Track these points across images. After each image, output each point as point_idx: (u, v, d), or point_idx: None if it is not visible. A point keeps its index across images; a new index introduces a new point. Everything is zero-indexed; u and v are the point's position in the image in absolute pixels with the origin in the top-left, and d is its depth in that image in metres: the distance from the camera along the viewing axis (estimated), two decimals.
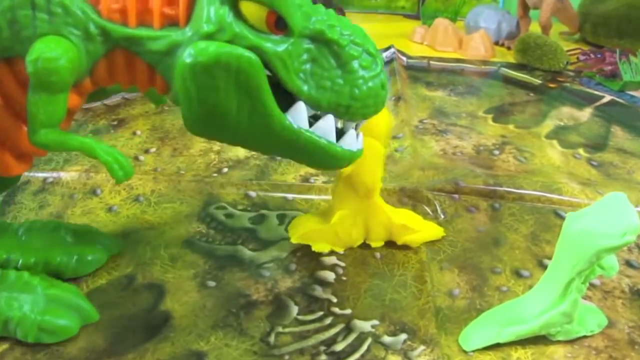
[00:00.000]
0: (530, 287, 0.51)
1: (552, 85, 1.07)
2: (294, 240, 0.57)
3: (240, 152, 0.76)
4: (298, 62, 0.41)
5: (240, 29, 0.40)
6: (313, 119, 0.43)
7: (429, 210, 0.65)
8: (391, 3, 1.65)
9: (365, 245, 0.59)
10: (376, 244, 0.59)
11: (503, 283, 0.55)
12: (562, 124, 0.90)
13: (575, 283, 0.45)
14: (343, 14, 1.51)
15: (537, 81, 1.09)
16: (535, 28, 1.31)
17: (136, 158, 0.74)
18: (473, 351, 0.48)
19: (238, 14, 0.40)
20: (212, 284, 0.54)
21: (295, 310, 0.51)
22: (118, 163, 0.44)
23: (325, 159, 0.44)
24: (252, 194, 0.67)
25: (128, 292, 0.53)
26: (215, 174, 0.70)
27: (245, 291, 0.53)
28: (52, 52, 0.41)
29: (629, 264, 0.59)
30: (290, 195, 0.67)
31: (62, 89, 0.42)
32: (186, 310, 0.51)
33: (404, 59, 1.17)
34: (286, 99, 0.42)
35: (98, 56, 0.43)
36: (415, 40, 1.32)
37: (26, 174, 0.70)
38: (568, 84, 1.09)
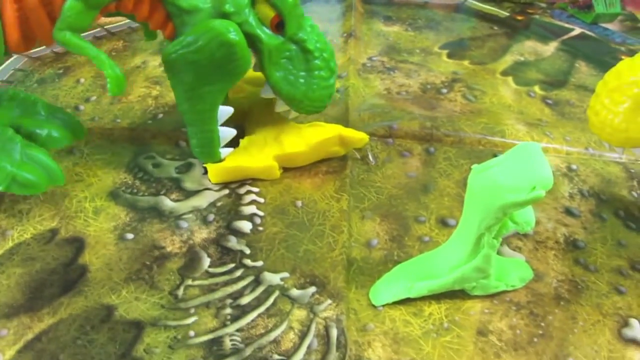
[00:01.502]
0: None
1: (519, 18, 1.03)
2: (213, 181, 0.59)
3: None
4: (279, 56, 0.53)
5: (250, 18, 0.51)
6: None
7: (358, 156, 0.62)
8: None
9: (287, 194, 0.57)
10: (293, 148, 0.58)
11: (426, 233, 0.54)
12: (522, 59, 0.86)
13: (486, 238, 0.43)
14: None
15: (504, 13, 1.05)
16: None
17: (76, 108, 0.72)
18: (383, 306, 0.47)
19: (253, 7, 0.51)
20: (130, 236, 0.53)
21: (207, 262, 0.50)
22: (118, 80, 0.49)
23: (209, 152, 0.58)
24: (183, 143, 0.65)
25: (50, 246, 0.52)
26: (150, 121, 0.68)
27: (161, 243, 0.52)
28: None
29: (568, 211, 0.57)
30: None
31: (98, 6, 0.48)
32: (102, 264, 0.51)
33: None
34: None
35: None
36: None
37: None
38: (537, 16, 1.05)
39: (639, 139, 0.50)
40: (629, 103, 0.50)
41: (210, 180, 0.59)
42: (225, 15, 0.50)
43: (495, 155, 0.60)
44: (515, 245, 0.53)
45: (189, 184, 0.59)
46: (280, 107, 0.58)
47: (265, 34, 0.52)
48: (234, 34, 0.48)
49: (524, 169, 0.39)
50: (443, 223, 0.54)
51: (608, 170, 0.63)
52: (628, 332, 0.47)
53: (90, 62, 0.86)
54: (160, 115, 0.69)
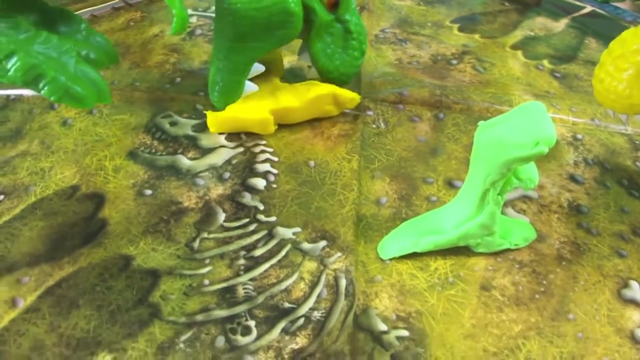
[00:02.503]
0: None
1: None
2: (212, 130, 0.62)
3: (195, 64, 0.75)
4: (325, 31, 0.59)
5: None
6: None
7: (369, 121, 0.64)
8: None
9: (300, 154, 0.59)
10: (287, 103, 0.61)
11: (433, 193, 0.55)
12: (532, 34, 0.88)
13: (491, 194, 0.45)
14: None
15: None
16: None
17: None
18: (390, 260, 0.49)
19: None
20: (148, 192, 0.55)
21: (222, 217, 0.52)
22: (184, 21, 0.49)
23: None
24: (200, 107, 0.67)
25: (71, 201, 0.54)
26: (167, 85, 0.70)
27: (178, 199, 0.54)
28: None
29: (572, 178, 0.59)
30: None
31: None
32: (121, 218, 0.53)
33: None
34: None
35: None
36: None
37: None
38: None
39: None
40: (632, 70, 0.51)
41: (209, 129, 0.62)
42: None
43: None
44: (520, 207, 0.55)
45: (205, 142, 0.61)
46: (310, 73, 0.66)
47: (321, 9, 0.57)
48: (295, 5, 0.52)
49: (528, 126, 0.41)
50: (450, 184, 0.56)
51: (613, 140, 0.64)
52: (627, 293, 0.48)
53: (110, 31, 0.88)
54: (178, 80, 0.71)
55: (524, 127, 0.41)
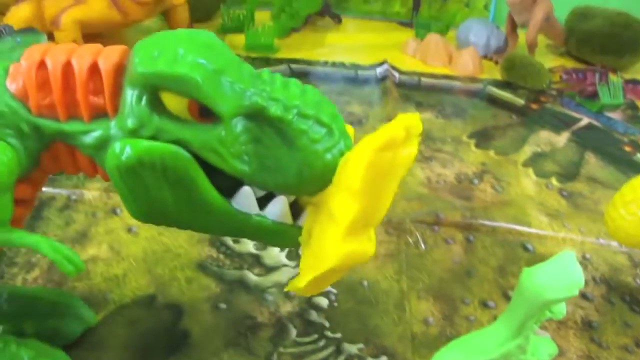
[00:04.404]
0: (495, 317, 0.60)
1: (534, 107, 1.15)
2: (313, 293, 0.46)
3: None
4: (236, 145, 0.39)
5: (163, 123, 0.39)
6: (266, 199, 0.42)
7: (411, 241, 0.74)
8: (387, 8, 1.72)
9: (354, 274, 0.68)
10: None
11: (471, 313, 0.64)
12: (539, 150, 0.99)
13: (528, 324, 0.54)
14: (340, 21, 1.59)
15: (521, 101, 1.17)
16: (523, 43, 1.39)
17: None
18: None
19: (160, 106, 0.39)
20: (223, 306, 0.63)
21: (294, 332, 0.60)
22: (67, 258, 0.43)
23: (281, 240, 0.44)
24: None
25: (151, 310, 0.62)
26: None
27: (252, 313, 0.62)
28: None
29: (584, 296, 0.68)
30: None
31: (3, 190, 0.41)
32: (202, 330, 0.60)
33: (397, 75, 1.25)
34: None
35: (38, 151, 0.43)
36: (408, 53, 1.39)
37: (51, 190, 0.78)
38: (549, 105, 1.18)
39: None
40: None
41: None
42: (132, 133, 0.39)
43: (523, 245, 0.72)
44: (542, 324, 0.64)
45: (268, 260, 0.69)
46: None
47: (191, 130, 0.39)
48: (128, 151, 0.38)
49: (562, 273, 0.51)
50: (484, 305, 0.65)
51: (615, 259, 0.74)
52: None
53: None
54: None
55: (558, 274, 0.51)
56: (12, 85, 0.42)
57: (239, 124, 0.39)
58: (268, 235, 0.43)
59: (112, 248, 0.70)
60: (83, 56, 0.41)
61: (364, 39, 1.50)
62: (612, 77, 1.25)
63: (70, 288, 0.63)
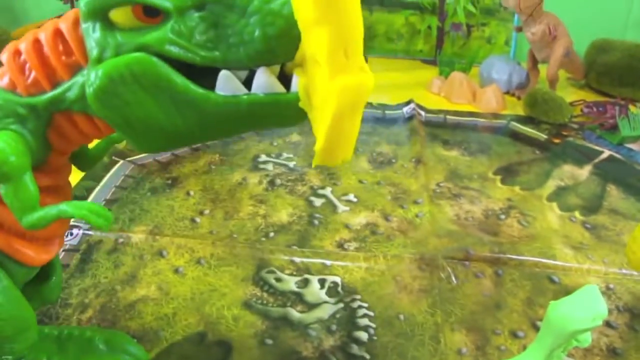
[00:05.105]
0: (524, 346, 0.64)
1: (556, 141, 1.20)
2: None
3: (283, 217, 0.90)
4: (196, 36, 0.40)
5: (120, 38, 0.40)
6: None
7: (443, 276, 0.78)
8: (410, 47, 1.78)
9: (391, 308, 0.72)
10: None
11: (502, 343, 0.69)
12: (562, 184, 1.03)
13: (556, 352, 0.59)
14: (366, 61, 1.65)
15: (543, 136, 1.22)
16: (543, 77, 1.44)
17: (193, 220, 0.88)
18: None
19: (112, 26, 0.41)
20: (269, 342, 0.67)
21: None
22: (94, 212, 0.45)
23: (284, 112, 0.42)
24: (297, 259, 0.80)
25: (202, 347, 0.66)
26: (263, 238, 0.84)
27: (297, 348, 0.67)
28: None
29: (608, 324, 0.72)
30: (328, 262, 0.80)
31: (21, 173, 0.44)
32: None
33: (423, 113, 1.30)
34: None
35: (42, 129, 0.46)
36: (433, 91, 1.45)
37: (99, 233, 0.84)
38: (571, 138, 1.22)
39: None
40: None
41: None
42: (99, 62, 0.41)
43: (549, 277, 0.76)
44: (569, 352, 0.68)
45: (309, 297, 0.74)
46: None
47: (146, 34, 0.41)
48: (98, 74, 0.41)
49: (586, 305, 0.55)
50: (514, 335, 0.69)
51: (638, 288, 0.78)
52: None
53: (195, 174, 1.03)
54: (272, 234, 0.85)
55: (584, 306, 0.55)
56: (1, 82, 0.46)
57: (192, 17, 0.39)
58: (268, 112, 0.41)
59: (161, 289, 0.75)
60: (46, 28, 0.45)
61: (390, 78, 1.56)
62: (632, 109, 1.29)
63: (122, 327, 0.68)
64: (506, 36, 1.74)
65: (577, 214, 0.94)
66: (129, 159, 1.05)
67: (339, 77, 0.37)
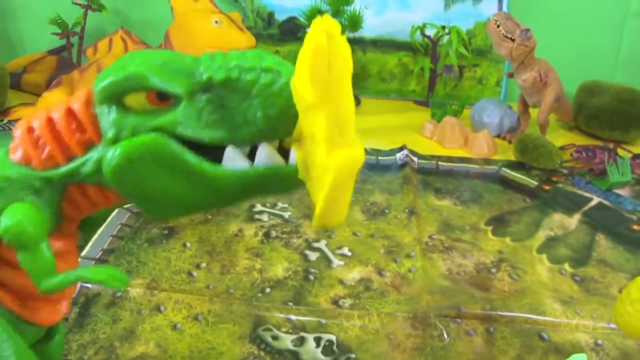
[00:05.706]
0: None
1: (546, 187, 1.22)
2: None
3: (279, 271, 0.92)
4: (203, 116, 0.43)
5: (135, 120, 0.43)
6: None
7: (435, 334, 0.80)
8: (403, 87, 1.81)
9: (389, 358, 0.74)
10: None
11: None
12: (552, 234, 1.05)
13: None
14: (359, 103, 1.68)
15: (534, 182, 1.24)
16: (534, 120, 1.47)
17: (189, 273, 0.90)
18: None
19: (127, 109, 0.44)
20: None
21: None
22: (111, 277, 0.47)
23: (284, 182, 0.45)
24: (293, 317, 0.82)
25: None
26: (259, 294, 0.86)
27: None
28: (13, 218, 0.46)
29: None
30: (323, 320, 0.82)
31: (37, 241, 0.46)
32: None
33: (416, 160, 1.32)
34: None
35: (57, 200, 0.49)
36: (425, 135, 1.48)
37: (97, 287, 0.85)
38: (561, 185, 1.24)
39: None
40: None
41: None
42: (115, 142, 0.44)
43: (539, 334, 0.78)
44: None
45: (305, 356, 0.76)
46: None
47: (158, 117, 0.44)
48: (116, 153, 0.43)
49: None
50: None
51: (625, 344, 0.80)
52: None
53: (191, 224, 1.05)
54: (268, 290, 0.87)
55: None
56: (14, 156, 0.49)
57: (200, 99, 0.43)
58: (271, 182, 0.44)
59: (160, 346, 0.76)
60: (58, 108, 0.48)
61: (382, 121, 1.58)
62: (621, 153, 1.32)
63: None
64: (497, 77, 1.77)
65: (566, 265, 0.96)
66: (125, 206, 1.07)
67: (334, 153, 0.40)
